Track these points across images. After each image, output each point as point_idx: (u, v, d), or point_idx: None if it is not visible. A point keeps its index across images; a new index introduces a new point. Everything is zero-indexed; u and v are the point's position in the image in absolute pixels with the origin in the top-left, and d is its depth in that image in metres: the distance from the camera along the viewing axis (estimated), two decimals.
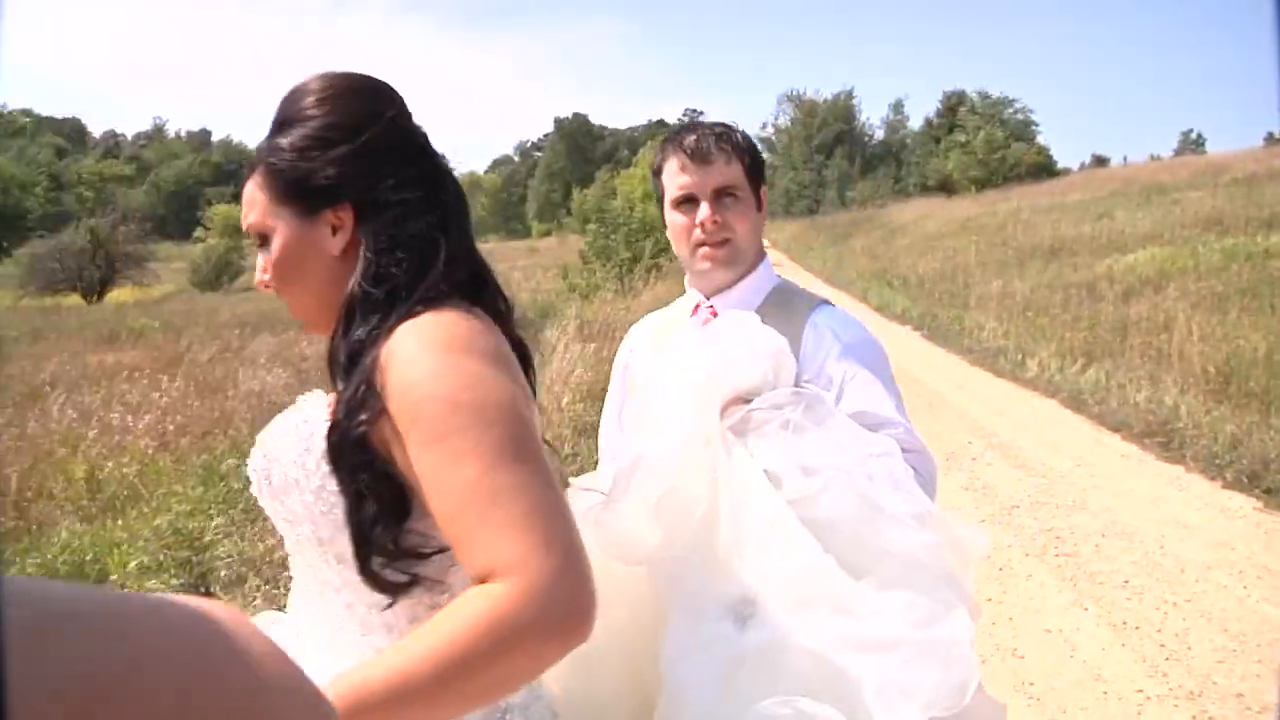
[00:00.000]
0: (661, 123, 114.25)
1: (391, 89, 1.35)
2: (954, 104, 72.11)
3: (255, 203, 1.33)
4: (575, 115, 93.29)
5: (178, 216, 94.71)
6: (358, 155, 1.27)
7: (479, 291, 1.32)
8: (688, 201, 2.00)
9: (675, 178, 2.01)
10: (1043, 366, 11.54)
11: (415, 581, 1.20)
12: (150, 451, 7.52)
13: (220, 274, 46.98)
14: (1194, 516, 6.43)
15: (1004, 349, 12.98)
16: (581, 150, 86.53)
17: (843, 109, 78.83)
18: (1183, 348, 10.45)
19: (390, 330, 1.21)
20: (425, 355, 1.17)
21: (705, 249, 2.00)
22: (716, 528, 1.57)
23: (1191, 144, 75.93)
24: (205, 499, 6.18)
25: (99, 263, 40.34)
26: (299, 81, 1.34)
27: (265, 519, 5.52)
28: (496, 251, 54.70)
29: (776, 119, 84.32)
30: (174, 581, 4.62)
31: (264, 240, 1.33)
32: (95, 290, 39.66)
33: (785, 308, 1.99)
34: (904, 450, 1.82)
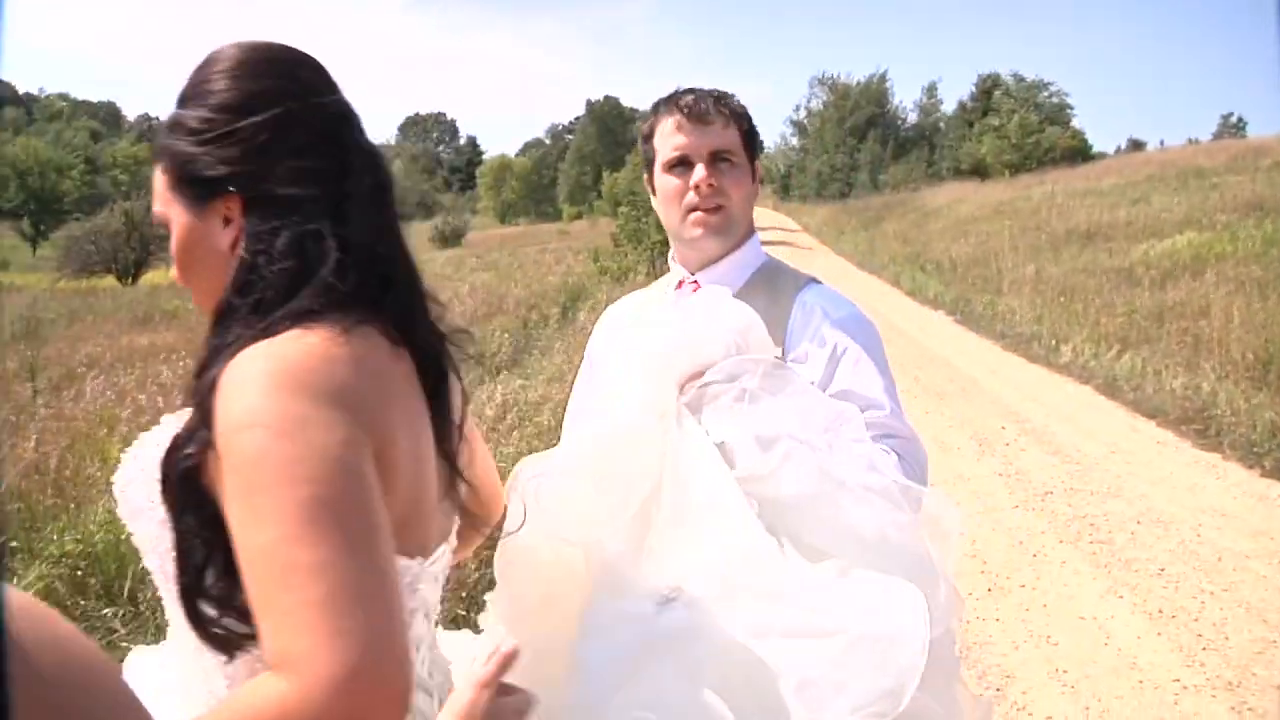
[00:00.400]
0: None
1: (308, 64, 1.22)
2: (988, 87, 71.23)
3: (156, 188, 1.21)
4: (607, 98, 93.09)
5: None
6: (248, 142, 1.14)
7: (383, 299, 1.16)
8: (681, 164, 1.91)
9: (669, 138, 1.93)
10: (1077, 352, 11.42)
11: (252, 638, 1.02)
12: None
13: None
14: (1232, 504, 6.35)
15: (1037, 334, 12.86)
16: (612, 133, 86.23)
17: (875, 92, 77.99)
18: (1221, 334, 10.29)
19: (238, 350, 1.06)
20: (251, 389, 1.01)
21: (697, 214, 1.91)
22: (657, 508, 1.50)
23: (1231, 128, 74.68)
24: None
25: (133, 245, 40.65)
26: (214, 49, 1.21)
27: None
28: (527, 234, 54.86)
29: (809, 102, 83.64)
30: None
31: (167, 229, 1.21)
32: (130, 272, 40.02)
33: (772, 286, 1.93)
34: (889, 435, 1.76)
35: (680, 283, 2.00)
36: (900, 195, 50.68)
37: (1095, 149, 64.97)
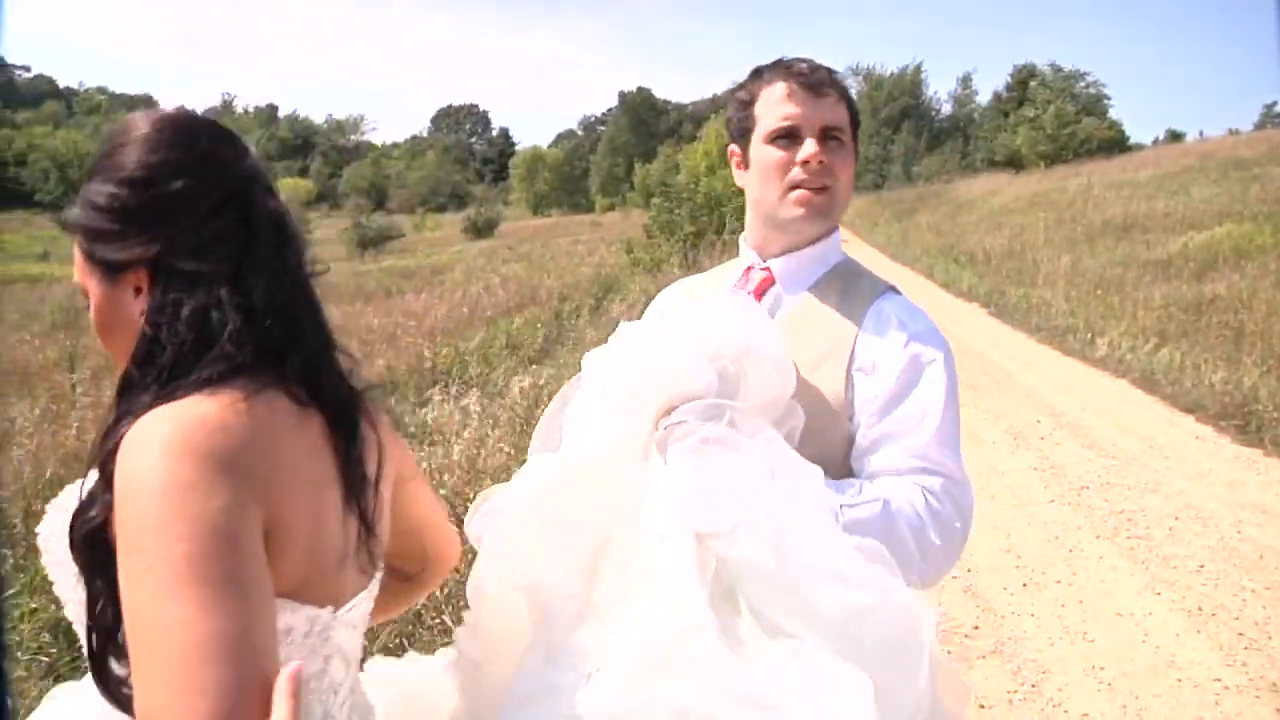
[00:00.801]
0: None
1: (212, 133, 1.24)
2: (1024, 78, 70.56)
3: (76, 258, 1.25)
4: (639, 89, 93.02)
5: None
6: (152, 216, 1.17)
7: (287, 362, 1.19)
8: (788, 136, 1.74)
9: (778, 106, 1.75)
10: (1113, 345, 11.29)
11: None
12: None
13: None
14: (1274, 501, 6.25)
15: (1073, 327, 12.72)
16: (645, 124, 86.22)
17: (909, 83, 77.58)
18: (1263, 327, 10.15)
19: (141, 415, 1.09)
20: (145, 453, 1.05)
21: (802, 192, 1.73)
22: (605, 559, 1.40)
23: (1274, 118, 73.40)
24: None
25: None
26: (124, 120, 1.25)
27: None
28: (559, 225, 54.93)
29: None
30: None
31: (87, 298, 1.25)
32: None
33: (848, 287, 1.77)
34: (931, 472, 1.60)
35: (749, 268, 1.84)
36: (934, 187, 50.40)
37: (1132, 140, 64.10)
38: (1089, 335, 12.06)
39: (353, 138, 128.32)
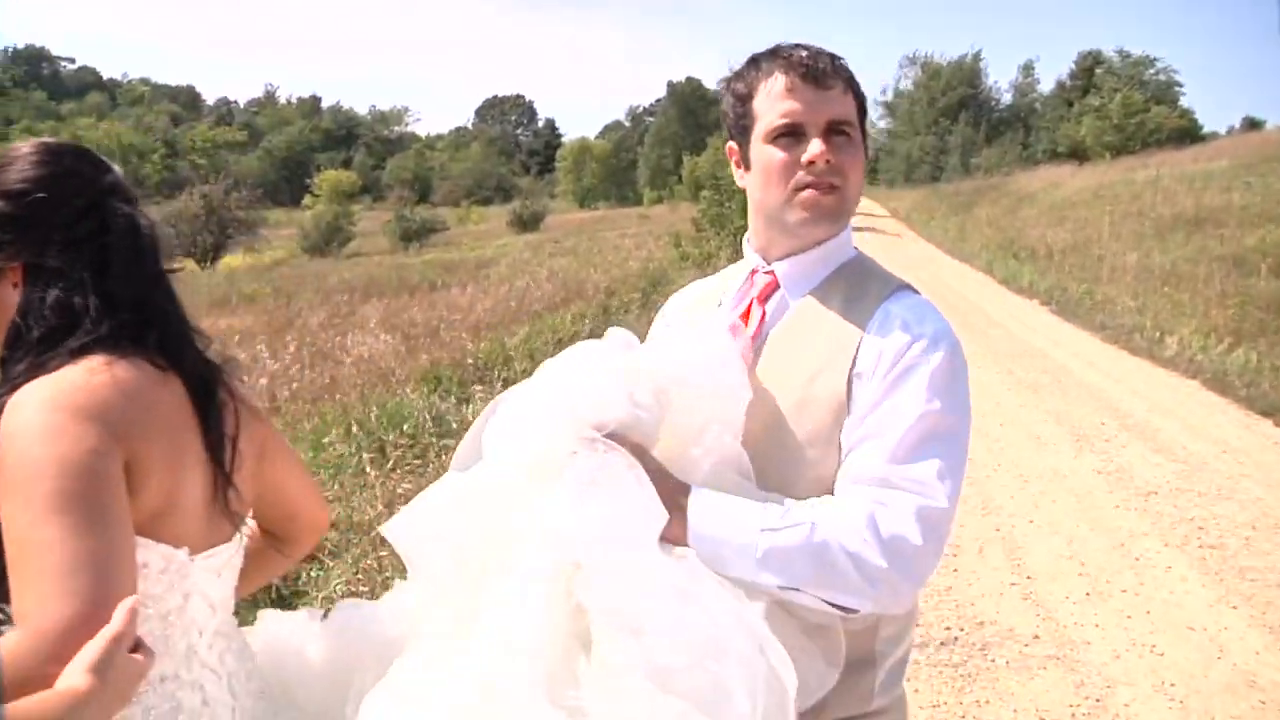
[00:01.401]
0: None
1: (78, 154, 1.53)
2: (1089, 65, 69.47)
3: None
4: (688, 79, 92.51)
5: (288, 182, 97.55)
6: (24, 221, 1.44)
7: (145, 336, 1.48)
8: (791, 134, 1.62)
9: (779, 101, 1.62)
10: (1183, 345, 11.09)
11: None
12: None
13: (330, 239, 48.16)
14: None
15: (1140, 325, 12.51)
16: (694, 115, 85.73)
17: (968, 72, 76.65)
18: None
19: (21, 384, 1.36)
20: (24, 410, 1.32)
21: (809, 194, 1.62)
22: (478, 588, 1.43)
23: None
24: (314, 464, 6.33)
25: (212, 229, 41.76)
26: (13, 145, 1.53)
27: (371, 486, 5.57)
28: (606, 218, 54.96)
29: (898, 82, 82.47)
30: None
31: None
32: (208, 256, 41.09)
33: (855, 286, 1.67)
34: (891, 486, 1.48)
35: (754, 271, 1.76)
36: (993, 179, 49.76)
37: (1206, 129, 62.93)
38: (1157, 334, 11.85)
39: (396, 129, 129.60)
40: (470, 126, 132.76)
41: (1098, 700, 4.05)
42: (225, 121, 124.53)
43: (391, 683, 1.40)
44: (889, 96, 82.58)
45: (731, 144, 1.76)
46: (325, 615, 1.79)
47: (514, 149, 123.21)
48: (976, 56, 77.67)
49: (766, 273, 1.73)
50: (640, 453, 1.49)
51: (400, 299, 18.07)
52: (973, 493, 6.68)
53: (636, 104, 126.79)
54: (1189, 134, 56.49)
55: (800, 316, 1.69)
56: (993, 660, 4.39)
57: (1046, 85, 76.75)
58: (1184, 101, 64.69)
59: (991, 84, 78.84)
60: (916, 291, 1.69)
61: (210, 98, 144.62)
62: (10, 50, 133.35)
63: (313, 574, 5.00)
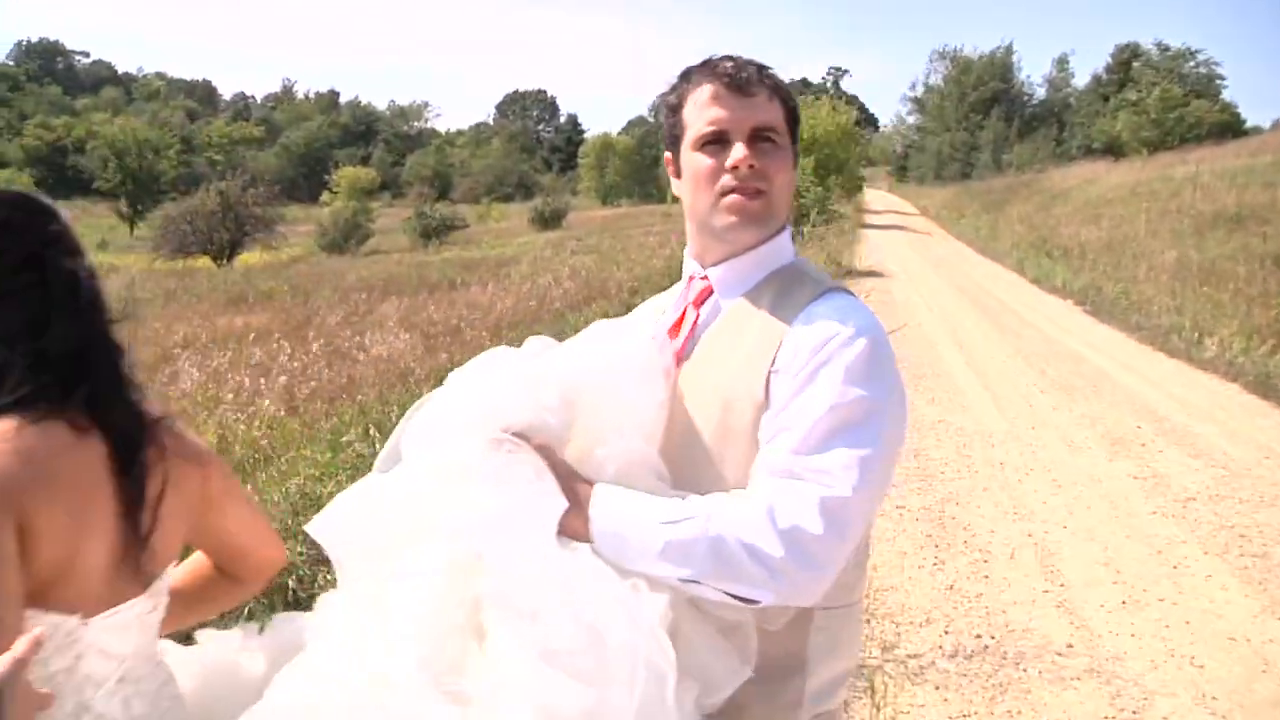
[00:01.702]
0: (805, 82, 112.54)
1: (15, 204, 1.54)
2: (1127, 58, 69.01)
3: None
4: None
5: (306, 179, 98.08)
6: None
7: (71, 396, 1.49)
8: (717, 141, 1.69)
9: (705, 110, 1.70)
10: (1224, 346, 10.99)
11: None
12: (281, 413, 7.80)
13: (348, 237, 48.43)
14: None
15: (1177, 326, 12.41)
16: None
17: (1000, 66, 76.30)
18: None
19: None
20: None
21: (733, 199, 1.69)
22: (384, 590, 1.49)
23: None
24: (332, 465, 6.36)
25: (228, 225, 42.08)
26: None
27: None
28: (629, 216, 54.97)
29: (928, 77, 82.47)
30: (301, 550, 4.74)
31: None
32: (225, 253, 41.42)
33: (784, 290, 1.72)
34: (795, 477, 1.50)
35: (690, 278, 1.84)
36: (1025, 176, 49.55)
37: (1249, 123, 62.30)
38: (1195, 335, 11.76)
39: (416, 124, 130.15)
40: (491, 122, 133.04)
41: (1134, 713, 4.02)
42: (242, 117, 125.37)
43: (287, 677, 1.47)
44: (919, 92, 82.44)
45: (667, 154, 1.83)
46: (261, 630, 1.85)
47: (535, 145, 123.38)
48: (1009, 50, 77.43)
49: (702, 278, 1.81)
50: (546, 452, 1.57)
51: (419, 297, 18.14)
52: (1004, 497, 6.65)
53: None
54: (1231, 128, 55.90)
55: (729, 318, 1.75)
56: (1025, 670, 4.37)
57: (1081, 79, 76.47)
58: (1226, 95, 64.06)
59: (1024, 78, 78.58)
60: (850, 293, 1.73)
61: (227, 92, 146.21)
62: (24, 44, 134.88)
63: (329, 575, 5.02)
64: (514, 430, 1.56)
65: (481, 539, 1.45)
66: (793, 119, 1.76)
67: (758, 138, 1.69)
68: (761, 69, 1.74)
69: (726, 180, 1.69)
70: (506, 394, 1.60)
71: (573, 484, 1.55)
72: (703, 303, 1.80)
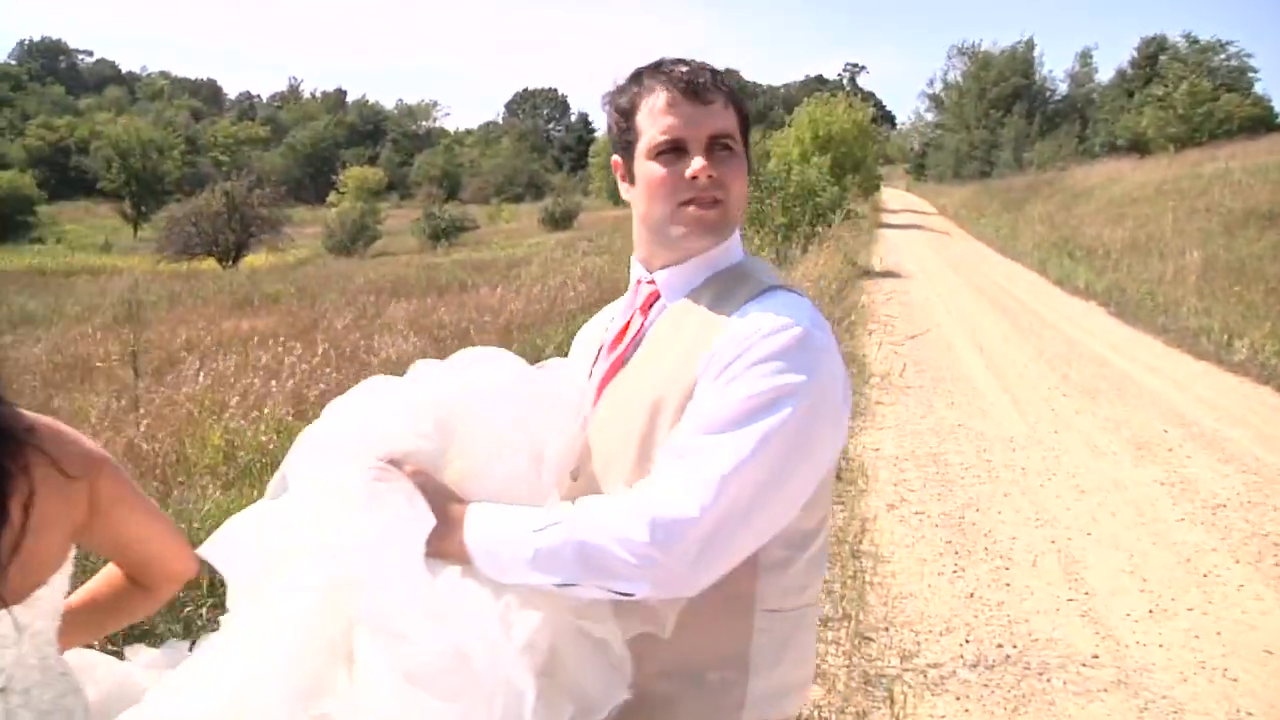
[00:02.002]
0: (820, 79, 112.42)
1: None
2: (1153, 52, 68.54)
3: None
4: (727, 71, 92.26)
5: (312, 179, 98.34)
6: None
7: None
8: (672, 150, 1.69)
9: (659, 118, 1.69)
10: (1255, 349, 10.93)
11: None
12: (289, 416, 7.82)
13: (355, 238, 48.57)
14: None
15: (1206, 328, 12.35)
16: None
17: (1021, 61, 76.01)
18: None
19: None
20: None
21: (691, 208, 1.69)
22: (263, 611, 1.53)
23: None
24: None
25: (234, 227, 42.22)
26: None
27: None
28: None
29: (946, 73, 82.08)
30: None
31: None
32: (230, 255, 41.55)
33: (724, 291, 1.72)
34: (615, 517, 1.49)
35: (638, 282, 1.84)
36: (1047, 174, 49.32)
37: None
38: (1225, 337, 11.70)
39: (424, 124, 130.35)
40: (500, 121, 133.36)
41: None
42: (247, 116, 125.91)
43: (153, 696, 1.54)
44: (937, 88, 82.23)
45: (616, 158, 1.83)
46: (192, 646, 1.85)
47: (546, 144, 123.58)
48: (1030, 45, 77.09)
49: (649, 283, 1.81)
50: (421, 478, 1.59)
51: (428, 300, 18.18)
52: (1026, 503, 6.62)
53: None
54: (1264, 123, 55.40)
55: (668, 319, 1.76)
56: (1049, 681, 4.34)
57: (1105, 74, 75.93)
58: (1258, 88, 63.56)
59: (1046, 74, 78.14)
60: (794, 291, 1.72)
61: (232, 92, 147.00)
62: (26, 43, 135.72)
63: None
64: (391, 457, 1.60)
65: (356, 562, 1.50)
66: (746, 124, 1.77)
67: (715, 146, 1.70)
68: (715, 73, 1.75)
69: (684, 191, 1.69)
70: (384, 422, 1.65)
71: (446, 506, 1.57)
72: (649, 307, 1.81)
